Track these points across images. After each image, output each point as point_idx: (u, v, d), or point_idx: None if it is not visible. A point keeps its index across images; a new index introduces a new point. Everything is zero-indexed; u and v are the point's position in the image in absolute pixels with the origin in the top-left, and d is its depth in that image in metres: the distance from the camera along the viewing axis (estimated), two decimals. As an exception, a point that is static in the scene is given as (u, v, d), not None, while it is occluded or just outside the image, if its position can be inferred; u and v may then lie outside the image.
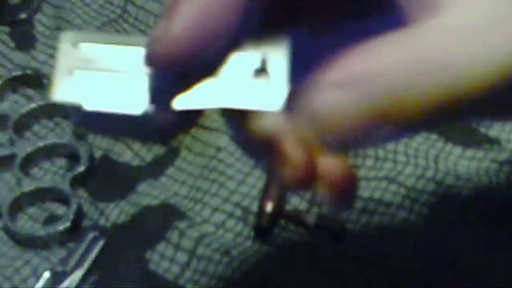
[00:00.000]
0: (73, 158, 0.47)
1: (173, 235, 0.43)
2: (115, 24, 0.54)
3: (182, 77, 0.26)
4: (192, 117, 0.28)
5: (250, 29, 0.27)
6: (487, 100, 0.25)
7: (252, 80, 0.26)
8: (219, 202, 0.44)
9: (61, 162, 0.48)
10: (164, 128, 0.27)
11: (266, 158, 0.29)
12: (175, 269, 0.41)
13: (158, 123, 0.27)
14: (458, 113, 0.25)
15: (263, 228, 0.43)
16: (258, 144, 0.28)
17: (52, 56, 0.53)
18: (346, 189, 0.29)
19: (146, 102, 0.26)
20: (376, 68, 0.24)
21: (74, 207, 0.44)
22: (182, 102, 0.26)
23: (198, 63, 0.26)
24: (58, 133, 0.49)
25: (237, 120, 0.29)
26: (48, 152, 0.48)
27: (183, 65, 0.26)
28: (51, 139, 0.48)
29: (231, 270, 0.41)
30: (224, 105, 0.26)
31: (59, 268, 0.43)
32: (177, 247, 0.42)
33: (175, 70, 0.26)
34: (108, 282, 0.42)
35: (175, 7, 0.25)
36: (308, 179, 0.27)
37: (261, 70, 0.26)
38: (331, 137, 0.25)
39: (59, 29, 0.54)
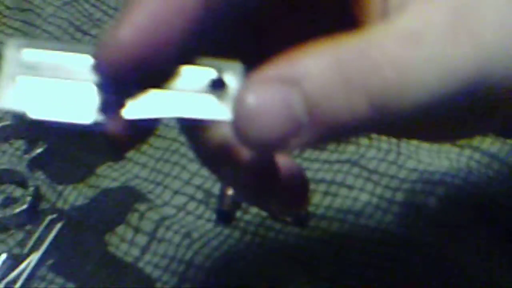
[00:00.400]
0: (31, 140, 0.47)
1: (133, 218, 0.42)
2: (76, 4, 0.53)
3: (129, 85, 0.25)
4: (146, 128, 0.27)
5: (207, 42, 0.26)
6: (419, 117, 0.23)
7: (206, 91, 0.26)
8: (180, 185, 0.44)
9: (19, 144, 0.47)
10: (116, 140, 0.26)
11: (222, 166, 0.29)
12: (135, 251, 0.41)
13: (109, 134, 0.26)
14: (390, 127, 0.25)
15: (225, 211, 0.42)
16: (214, 152, 0.28)
17: (11, 36, 0.52)
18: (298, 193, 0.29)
19: (95, 112, 0.25)
20: (302, 71, 0.23)
21: (31, 189, 0.44)
22: (132, 111, 0.25)
23: (146, 70, 0.25)
24: (15, 116, 0.48)
25: (192, 130, 0.29)
26: (6, 134, 0.47)
27: (130, 73, 0.25)
28: (8, 121, 0.47)
29: (192, 253, 0.40)
30: (177, 115, 0.25)
31: (17, 251, 0.42)
32: (136, 230, 0.42)
33: (122, 78, 0.25)
34: (67, 265, 0.41)
35: (125, 13, 0.25)
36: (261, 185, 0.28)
37: (216, 82, 0.26)
38: (255, 137, 0.24)
39: (18, 8, 0.53)
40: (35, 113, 0.25)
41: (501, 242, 0.40)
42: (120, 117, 0.25)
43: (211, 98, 0.26)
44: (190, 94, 0.26)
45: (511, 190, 0.42)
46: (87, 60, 0.26)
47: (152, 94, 0.26)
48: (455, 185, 0.42)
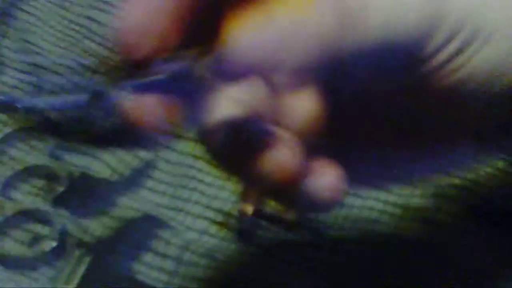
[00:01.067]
0: (52, 178, 0.48)
1: (159, 245, 0.44)
2: (81, 44, 0.55)
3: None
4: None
5: None
6: None
7: None
8: (200, 210, 0.45)
9: (41, 183, 0.49)
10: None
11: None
12: (164, 277, 0.42)
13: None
14: None
15: (246, 232, 0.44)
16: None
17: (21, 80, 0.54)
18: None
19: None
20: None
21: (58, 226, 0.45)
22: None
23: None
24: (35, 156, 0.50)
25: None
26: (27, 175, 0.48)
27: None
28: (29, 162, 0.49)
29: (219, 273, 0.42)
30: None
31: (49, 287, 0.43)
32: (163, 256, 0.43)
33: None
34: (99, 297, 0.42)
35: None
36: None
37: None
38: None
39: (25, 52, 0.55)
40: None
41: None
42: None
43: None
44: None
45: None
46: None
47: None
48: (468, 190, 0.43)
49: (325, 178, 0.29)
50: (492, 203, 0.43)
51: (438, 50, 0.28)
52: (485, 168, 0.44)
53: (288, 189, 0.29)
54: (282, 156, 0.28)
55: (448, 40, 0.28)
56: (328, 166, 0.29)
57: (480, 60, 0.29)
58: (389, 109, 0.31)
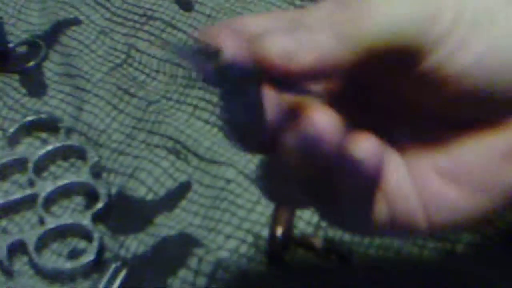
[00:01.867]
0: (91, 195, 0.51)
1: (192, 261, 0.46)
2: (120, 68, 0.58)
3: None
4: None
5: None
6: None
7: None
8: (231, 230, 0.48)
9: (79, 199, 0.51)
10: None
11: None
12: (197, 292, 0.45)
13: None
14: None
15: (275, 253, 0.46)
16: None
17: (62, 101, 0.56)
18: None
19: None
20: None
21: (96, 241, 0.48)
22: None
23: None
24: (74, 173, 0.52)
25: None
26: (67, 191, 0.51)
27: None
28: (69, 179, 0.51)
29: (250, 291, 0.44)
30: None
31: (86, 298, 0.46)
32: (196, 272, 0.45)
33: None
34: (134, 309, 0.45)
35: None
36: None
37: None
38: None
39: (67, 75, 0.58)
40: None
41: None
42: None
43: None
44: None
45: None
46: None
47: None
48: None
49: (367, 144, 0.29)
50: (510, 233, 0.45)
51: (440, 41, 0.29)
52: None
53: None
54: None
55: (450, 30, 0.29)
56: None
57: (481, 48, 0.29)
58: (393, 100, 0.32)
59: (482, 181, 0.31)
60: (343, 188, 0.30)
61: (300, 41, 0.28)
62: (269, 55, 0.27)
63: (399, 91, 0.31)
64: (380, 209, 0.31)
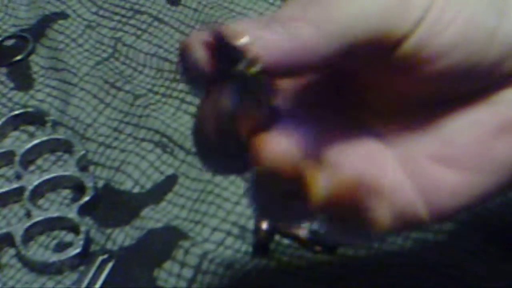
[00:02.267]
0: (78, 188, 0.51)
1: (178, 254, 0.46)
2: (107, 62, 0.58)
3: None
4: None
5: None
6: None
7: None
8: (217, 222, 0.48)
9: (65, 192, 0.51)
10: None
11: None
12: (183, 284, 0.45)
13: None
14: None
15: (260, 244, 0.46)
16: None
17: (49, 94, 0.57)
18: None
19: None
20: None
21: (82, 233, 0.48)
22: None
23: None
24: (61, 166, 0.52)
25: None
26: (54, 184, 0.51)
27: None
28: (56, 172, 0.51)
29: (236, 282, 0.44)
30: None
31: (73, 290, 0.46)
32: (182, 264, 0.46)
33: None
34: (120, 301, 0.45)
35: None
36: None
37: None
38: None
39: (54, 69, 0.58)
40: None
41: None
42: None
43: None
44: None
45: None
46: None
47: None
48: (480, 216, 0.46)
49: None
50: (504, 228, 0.45)
51: (415, 23, 0.29)
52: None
53: None
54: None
55: (425, 11, 0.29)
56: None
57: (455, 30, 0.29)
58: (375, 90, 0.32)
59: (477, 159, 0.31)
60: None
61: (276, 30, 0.28)
62: (245, 46, 0.28)
63: (380, 79, 0.31)
64: (381, 211, 0.31)
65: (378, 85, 0.32)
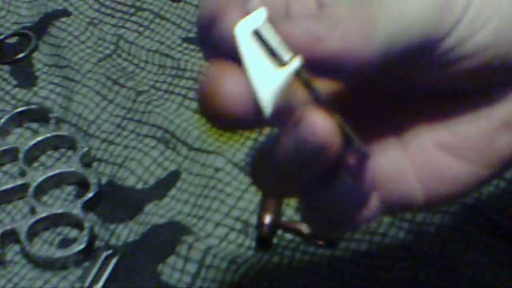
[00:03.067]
0: (81, 184, 0.51)
1: (182, 248, 0.47)
2: (110, 59, 0.59)
3: None
4: None
5: None
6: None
7: None
8: (220, 217, 0.48)
9: (70, 189, 0.52)
10: None
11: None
12: (187, 278, 0.45)
13: None
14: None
15: (263, 239, 0.47)
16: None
17: (52, 91, 0.57)
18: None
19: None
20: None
21: (87, 229, 0.48)
22: None
23: None
24: (65, 162, 0.53)
25: None
26: (58, 180, 0.52)
27: None
28: (60, 168, 0.52)
29: (239, 276, 0.45)
30: None
31: (77, 285, 0.46)
32: (186, 259, 0.46)
33: None
34: (125, 296, 0.45)
35: None
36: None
37: None
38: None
39: (57, 66, 0.59)
40: None
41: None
42: None
43: None
44: None
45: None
46: None
47: None
48: (466, 203, 0.46)
49: None
50: (499, 219, 0.46)
51: (454, 25, 0.29)
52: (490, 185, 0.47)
53: None
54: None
55: (463, 12, 0.29)
56: None
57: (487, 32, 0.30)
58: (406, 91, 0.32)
59: (481, 150, 0.32)
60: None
61: (328, 26, 0.27)
62: (295, 35, 0.27)
63: (409, 73, 0.31)
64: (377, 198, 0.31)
65: (403, 78, 0.32)
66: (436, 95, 0.32)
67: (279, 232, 0.47)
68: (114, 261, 0.47)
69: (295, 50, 0.27)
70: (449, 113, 0.32)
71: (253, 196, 0.49)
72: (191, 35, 0.59)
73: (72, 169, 0.52)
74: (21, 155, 0.52)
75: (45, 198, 0.51)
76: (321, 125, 0.27)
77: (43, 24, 0.61)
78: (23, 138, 0.54)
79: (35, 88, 0.58)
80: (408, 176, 0.32)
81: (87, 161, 0.52)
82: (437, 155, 0.32)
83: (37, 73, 0.59)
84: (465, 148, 0.32)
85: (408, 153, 0.32)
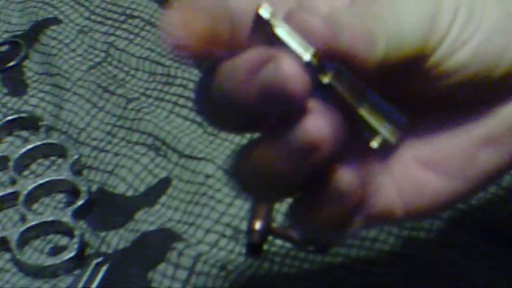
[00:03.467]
0: (72, 192, 0.51)
1: (172, 255, 0.47)
2: (100, 67, 0.59)
3: None
4: None
5: None
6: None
7: None
8: (211, 224, 0.48)
9: (60, 197, 0.52)
10: None
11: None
12: (177, 285, 0.45)
13: None
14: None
15: (254, 245, 0.47)
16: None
17: (43, 99, 0.57)
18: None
19: None
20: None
21: (77, 237, 0.48)
22: None
23: None
24: (55, 170, 0.53)
25: None
26: (48, 188, 0.51)
27: None
28: (50, 176, 0.52)
29: (229, 283, 0.45)
30: None
31: (68, 294, 0.46)
32: (177, 266, 0.46)
33: None
34: (115, 303, 0.45)
35: None
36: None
37: None
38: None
39: (48, 74, 0.59)
40: None
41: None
42: None
43: None
44: None
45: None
46: None
47: None
48: (457, 208, 0.47)
49: None
50: (500, 224, 0.46)
51: (440, 40, 0.30)
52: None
53: None
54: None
55: (448, 28, 0.30)
56: None
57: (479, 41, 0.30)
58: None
59: (461, 167, 0.32)
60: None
61: (342, 25, 0.28)
62: (316, 26, 0.27)
63: (394, 85, 0.32)
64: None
65: (388, 89, 0.32)
66: (416, 111, 0.32)
67: (270, 238, 0.47)
68: (104, 268, 0.47)
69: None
70: (429, 129, 0.33)
71: (243, 203, 0.49)
72: (181, 42, 0.59)
73: (62, 177, 0.52)
74: (11, 163, 0.52)
75: (35, 206, 0.51)
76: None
77: (33, 32, 0.61)
78: (13, 146, 0.54)
79: (25, 96, 0.58)
80: (388, 190, 0.32)
81: (77, 169, 0.52)
82: (417, 170, 0.32)
83: (28, 81, 0.59)
84: (445, 164, 0.32)
85: (388, 168, 0.32)
